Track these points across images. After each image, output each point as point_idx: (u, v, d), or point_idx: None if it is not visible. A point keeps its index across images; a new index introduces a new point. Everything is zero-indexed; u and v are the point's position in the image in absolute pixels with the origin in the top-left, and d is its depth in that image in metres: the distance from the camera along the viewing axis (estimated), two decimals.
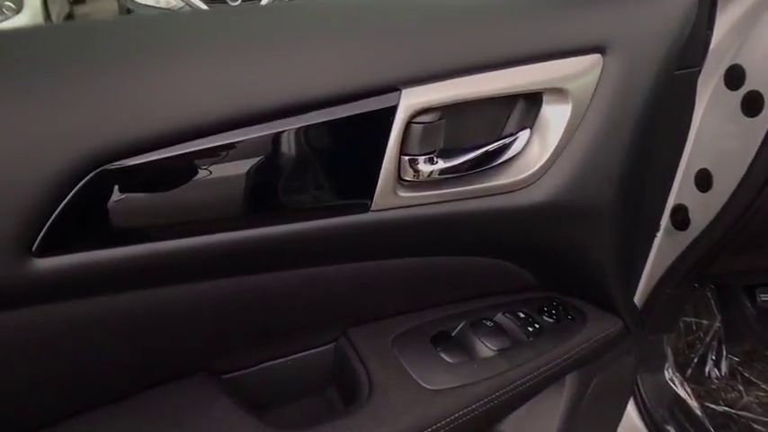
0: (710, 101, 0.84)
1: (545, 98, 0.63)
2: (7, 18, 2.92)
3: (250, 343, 0.69)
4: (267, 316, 0.66)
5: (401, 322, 0.78)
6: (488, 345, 0.76)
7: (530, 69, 0.60)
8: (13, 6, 2.97)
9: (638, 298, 1.03)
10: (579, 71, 0.62)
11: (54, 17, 3.25)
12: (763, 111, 0.76)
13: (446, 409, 0.68)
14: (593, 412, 1.01)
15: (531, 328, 0.80)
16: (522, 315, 0.82)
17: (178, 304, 0.58)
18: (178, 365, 0.65)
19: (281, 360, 0.73)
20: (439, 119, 0.57)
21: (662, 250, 0.98)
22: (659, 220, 0.94)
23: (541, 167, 0.65)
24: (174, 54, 0.50)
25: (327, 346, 0.76)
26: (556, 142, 0.64)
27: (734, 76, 0.79)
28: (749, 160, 0.79)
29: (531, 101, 0.63)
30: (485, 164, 0.63)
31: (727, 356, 1.33)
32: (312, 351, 0.75)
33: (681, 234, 0.94)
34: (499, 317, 0.81)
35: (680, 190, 0.92)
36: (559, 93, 0.62)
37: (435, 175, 0.60)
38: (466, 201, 0.64)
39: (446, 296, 0.82)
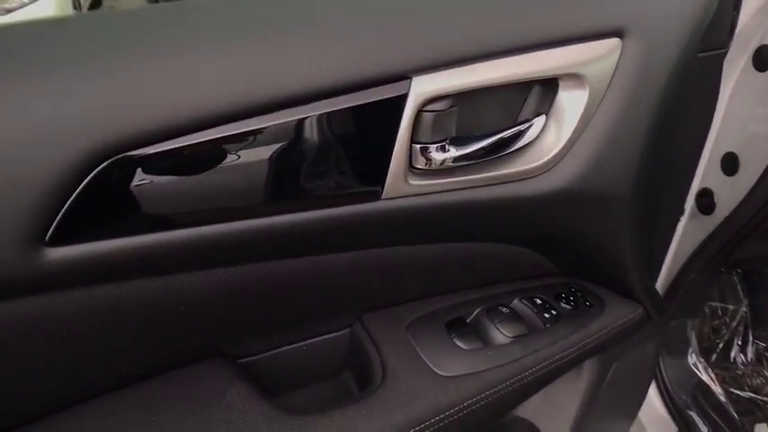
0: (738, 83, 0.82)
1: (561, 84, 0.61)
2: (35, 0, 2.95)
3: (265, 329, 0.70)
4: (281, 302, 0.67)
5: (416, 308, 0.78)
6: (504, 331, 0.76)
7: (545, 55, 0.58)
8: None
9: (661, 283, 1.01)
10: (597, 56, 0.60)
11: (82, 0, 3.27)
12: None
13: (459, 395, 0.69)
14: (613, 398, 1.01)
15: (547, 315, 0.80)
16: (538, 301, 0.81)
17: (193, 291, 0.59)
18: (193, 351, 0.66)
19: (297, 345, 0.74)
20: (451, 106, 0.57)
21: (687, 235, 0.97)
22: (683, 204, 0.92)
23: (557, 154, 0.64)
24: (184, 43, 0.50)
25: (342, 332, 0.77)
26: (572, 129, 0.63)
27: (762, 58, 0.77)
28: None
29: (547, 86, 0.62)
30: (499, 151, 0.62)
31: (753, 342, 1.31)
32: (327, 336, 0.76)
33: (706, 218, 0.93)
34: (515, 303, 0.81)
35: (705, 174, 0.90)
36: (576, 78, 0.61)
37: (448, 163, 0.60)
38: (479, 188, 0.63)
39: (462, 282, 0.81)
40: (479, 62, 0.56)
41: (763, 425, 1.23)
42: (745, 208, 0.85)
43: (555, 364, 0.77)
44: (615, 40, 0.61)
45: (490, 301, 0.80)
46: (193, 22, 0.54)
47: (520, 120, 0.63)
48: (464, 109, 0.59)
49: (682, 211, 0.94)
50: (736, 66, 0.81)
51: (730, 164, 0.86)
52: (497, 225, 0.71)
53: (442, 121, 0.57)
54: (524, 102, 0.63)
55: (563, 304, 0.82)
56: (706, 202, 0.92)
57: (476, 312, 0.78)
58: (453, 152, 0.59)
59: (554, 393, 0.90)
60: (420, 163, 0.58)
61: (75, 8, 3.07)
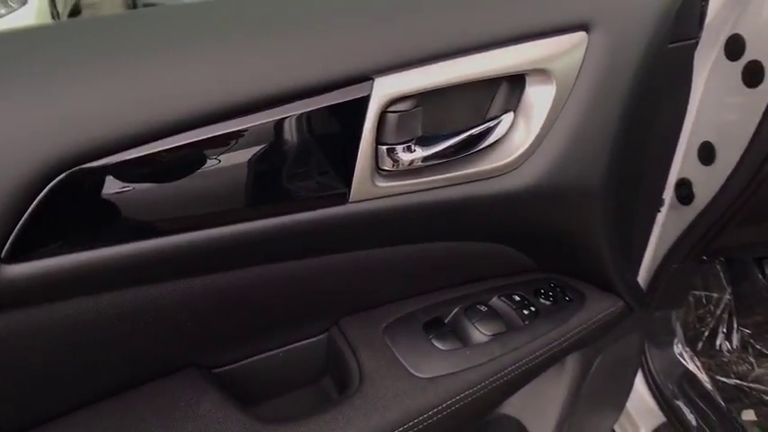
0: (711, 72, 0.81)
1: (528, 80, 0.61)
2: (13, 11, 2.91)
3: (239, 337, 0.69)
4: (255, 310, 0.66)
5: (394, 310, 0.77)
6: (482, 330, 0.75)
7: (510, 51, 0.58)
8: None
9: (644, 274, 1.01)
10: (563, 51, 0.60)
11: (60, 8, 3.24)
12: (764, 81, 0.74)
13: (438, 396, 0.68)
14: (599, 391, 1.00)
15: (526, 312, 0.79)
16: (517, 298, 0.81)
17: (162, 302, 0.58)
18: (166, 362, 0.65)
19: (274, 352, 0.73)
20: (415, 106, 0.56)
21: (667, 225, 0.97)
22: (661, 195, 0.92)
23: (527, 151, 0.63)
24: (140, 52, 0.50)
25: (320, 337, 0.76)
26: (540, 125, 0.62)
27: (734, 47, 0.77)
28: (751, 132, 0.77)
29: (515, 83, 0.61)
30: (467, 149, 0.61)
31: (738, 329, 1.32)
32: (304, 342, 0.75)
33: (685, 209, 0.92)
34: (494, 301, 0.80)
35: (683, 164, 0.90)
36: (543, 74, 0.60)
37: (417, 163, 0.59)
38: (449, 188, 0.62)
39: (440, 282, 0.81)
40: (443, 61, 0.55)
41: (750, 411, 1.23)
42: (724, 197, 0.85)
43: (535, 360, 0.77)
44: (581, 34, 0.60)
45: (468, 300, 0.80)
46: (152, 31, 0.53)
47: (488, 117, 0.62)
48: (430, 108, 0.58)
49: (660, 202, 0.94)
50: (708, 56, 0.80)
51: (707, 153, 0.86)
52: (470, 224, 0.70)
53: (406, 121, 0.56)
54: (492, 99, 0.62)
55: (542, 300, 0.82)
56: (685, 192, 0.92)
57: (454, 312, 0.78)
58: (420, 152, 0.58)
59: (539, 389, 0.89)
60: (387, 164, 0.58)
61: (53, 18, 3.03)
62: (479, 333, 0.75)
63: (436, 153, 0.59)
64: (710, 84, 0.82)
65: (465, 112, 0.61)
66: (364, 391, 0.67)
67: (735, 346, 1.31)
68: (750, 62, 0.75)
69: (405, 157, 0.58)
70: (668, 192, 0.93)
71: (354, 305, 0.77)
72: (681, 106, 0.81)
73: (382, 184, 0.58)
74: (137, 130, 0.47)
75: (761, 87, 0.74)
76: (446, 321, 0.77)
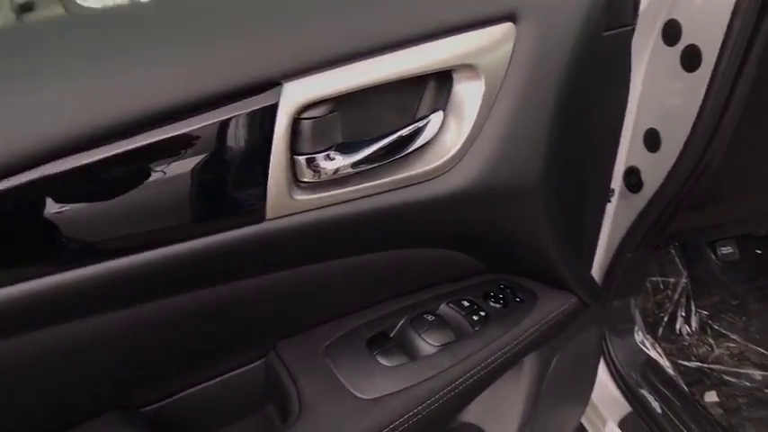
0: (651, 58, 0.80)
1: (455, 76, 0.57)
2: None
3: (169, 370, 0.64)
4: (184, 339, 0.61)
5: (335, 328, 0.73)
6: (430, 341, 0.71)
7: (432, 47, 0.54)
8: None
9: (599, 265, 0.99)
10: (490, 44, 0.56)
11: None
12: (702, 65, 0.72)
13: (385, 417, 0.64)
14: (560, 388, 0.98)
15: (476, 317, 0.75)
16: (466, 304, 0.77)
17: (78, 341, 0.52)
18: (85, 407, 0.60)
19: (209, 384, 0.68)
20: (332, 111, 0.51)
21: (618, 215, 0.95)
22: (608, 185, 0.90)
23: (459, 151, 0.59)
24: (30, 66, 0.45)
25: (258, 363, 0.71)
26: (472, 123, 0.58)
27: (670, 32, 0.75)
28: (694, 116, 0.75)
29: (442, 80, 0.58)
30: (395, 153, 0.57)
31: (696, 311, 1.32)
32: (242, 369, 0.70)
33: (635, 197, 0.91)
34: (442, 308, 0.77)
35: (630, 152, 0.88)
36: (470, 69, 0.56)
37: (343, 172, 0.55)
38: (379, 195, 0.58)
39: (385, 293, 0.77)
40: (358, 61, 0.51)
41: (712, 392, 1.24)
42: (671, 183, 0.84)
43: (489, 367, 0.74)
44: (508, 25, 0.57)
45: (415, 310, 0.75)
46: (40, 43, 0.47)
47: (417, 118, 0.58)
48: (350, 111, 0.54)
49: (609, 192, 0.92)
50: (646, 42, 0.79)
51: (653, 140, 0.84)
52: (405, 231, 0.66)
53: (322, 127, 0.52)
54: (420, 99, 0.58)
55: (492, 303, 0.78)
56: (633, 180, 0.90)
57: (400, 324, 0.74)
58: (341, 160, 0.54)
59: (498, 394, 0.86)
60: (307, 175, 0.53)
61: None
62: (427, 345, 0.71)
63: (361, 159, 0.55)
64: (651, 70, 0.81)
65: (390, 113, 0.57)
66: (304, 420, 0.63)
67: (694, 329, 1.32)
68: (687, 47, 0.73)
69: (327, 166, 0.53)
70: (617, 181, 0.91)
71: (293, 326, 0.72)
72: (621, 94, 0.79)
73: (302, 197, 0.54)
74: (23, 152, 0.42)
75: (699, 71, 0.73)
76: (392, 335, 0.73)
